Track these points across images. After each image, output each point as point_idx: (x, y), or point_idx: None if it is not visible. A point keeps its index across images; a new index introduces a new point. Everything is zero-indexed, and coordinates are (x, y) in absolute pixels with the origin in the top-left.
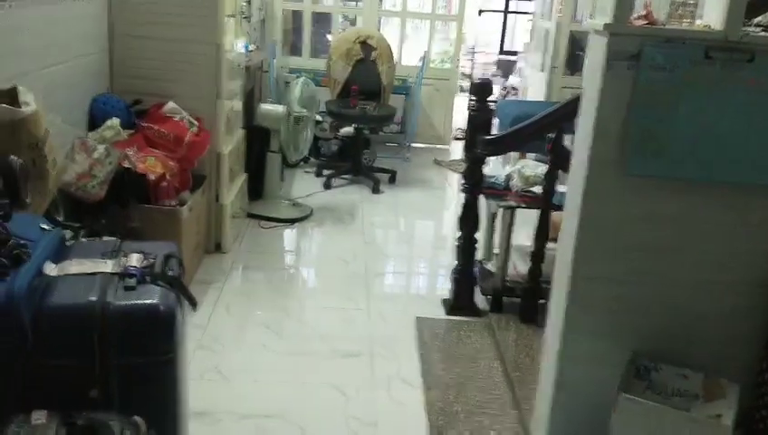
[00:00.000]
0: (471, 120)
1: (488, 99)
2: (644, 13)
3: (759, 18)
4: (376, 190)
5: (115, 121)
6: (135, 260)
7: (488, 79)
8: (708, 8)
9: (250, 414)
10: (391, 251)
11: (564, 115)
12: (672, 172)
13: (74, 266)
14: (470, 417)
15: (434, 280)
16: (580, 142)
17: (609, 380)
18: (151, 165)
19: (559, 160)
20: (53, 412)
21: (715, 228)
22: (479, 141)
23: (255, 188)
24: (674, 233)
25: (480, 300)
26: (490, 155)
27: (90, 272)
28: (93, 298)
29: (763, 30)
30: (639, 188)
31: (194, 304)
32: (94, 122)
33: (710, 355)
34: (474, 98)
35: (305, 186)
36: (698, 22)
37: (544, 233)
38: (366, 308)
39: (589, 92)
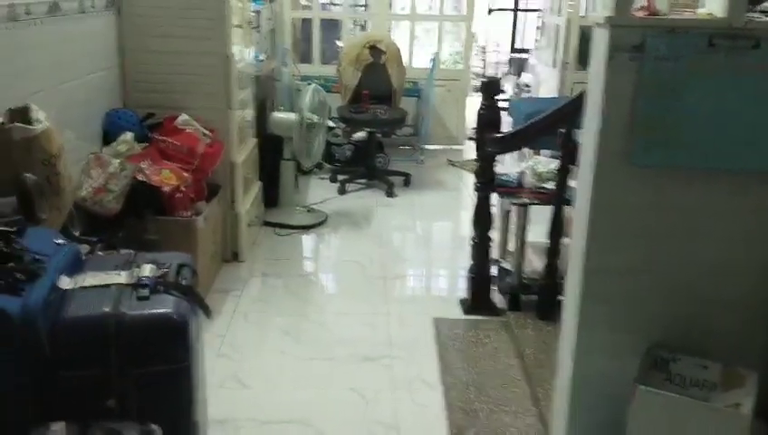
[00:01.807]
0: (480, 118)
1: (496, 97)
2: (645, 4)
3: (765, 3)
4: (390, 194)
5: (128, 136)
6: (148, 271)
7: (496, 77)
8: None
9: (270, 420)
10: (408, 254)
11: (573, 110)
12: (680, 161)
13: (89, 279)
14: (491, 415)
15: (452, 281)
16: (587, 136)
17: (626, 372)
18: (166, 177)
19: (570, 155)
20: (71, 423)
21: (728, 215)
22: (488, 139)
23: (270, 196)
24: (686, 221)
25: (497, 299)
26: (500, 153)
27: (104, 284)
28: (107, 309)
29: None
30: (649, 178)
31: (208, 312)
32: (108, 137)
33: (728, 344)
34: (482, 96)
35: (320, 192)
36: (701, 10)
37: (558, 228)
38: (384, 311)
39: (594, 86)
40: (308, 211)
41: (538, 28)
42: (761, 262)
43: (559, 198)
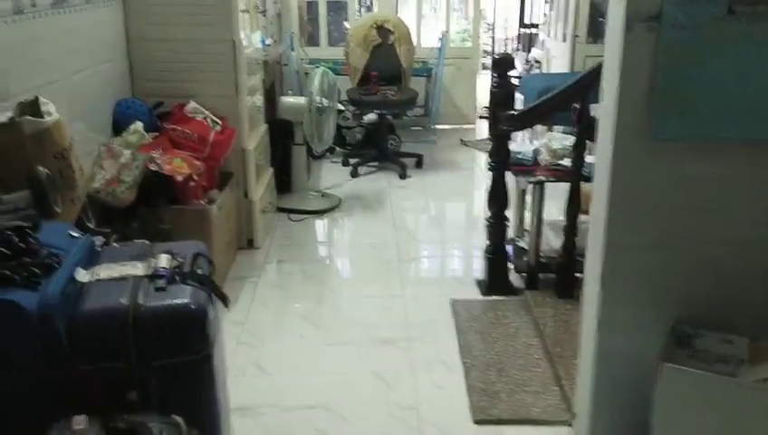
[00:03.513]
0: (493, 96)
1: (509, 73)
2: None
3: None
4: (403, 176)
5: (139, 125)
6: (164, 261)
7: (509, 53)
8: None
9: (292, 406)
10: (423, 235)
11: (587, 84)
12: (700, 133)
13: (105, 271)
14: (512, 396)
15: (468, 262)
16: (605, 110)
17: (650, 349)
18: (178, 166)
19: (586, 131)
20: (93, 417)
21: (749, 186)
22: (503, 117)
23: (283, 182)
24: (708, 194)
25: (515, 278)
26: (514, 130)
27: (120, 275)
28: (125, 301)
29: None
30: (669, 151)
31: (226, 301)
32: (118, 127)
33: (754, 318)
34: (495, 73)
35: (332, 176)
36: None
37: (576, 205)
38: (401, 294)
39: (610, 58)
40: (321, 196)
41: (547, 2)
42: None
43: (576, 175)
